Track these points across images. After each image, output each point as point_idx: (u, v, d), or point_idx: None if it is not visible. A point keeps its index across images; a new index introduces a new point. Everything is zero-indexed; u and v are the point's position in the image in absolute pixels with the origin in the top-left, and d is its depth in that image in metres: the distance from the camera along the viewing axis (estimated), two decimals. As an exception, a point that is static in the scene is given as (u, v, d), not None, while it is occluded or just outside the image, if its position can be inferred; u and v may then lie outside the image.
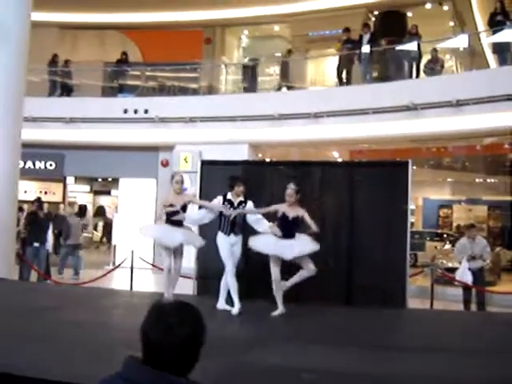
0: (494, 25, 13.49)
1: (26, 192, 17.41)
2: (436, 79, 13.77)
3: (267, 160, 15.91)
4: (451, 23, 18.62)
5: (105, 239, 23.89)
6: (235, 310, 7.19)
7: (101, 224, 24.26)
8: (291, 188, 7.30)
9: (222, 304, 7.53)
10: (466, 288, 9.97)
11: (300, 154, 16.46)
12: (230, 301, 7.43)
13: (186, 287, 8.52)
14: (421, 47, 14.56)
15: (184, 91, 17.38)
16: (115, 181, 19.13)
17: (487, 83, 12.11)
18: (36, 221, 11.93)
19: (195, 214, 7.80)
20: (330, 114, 13.83)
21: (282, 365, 4.81)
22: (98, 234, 24.32)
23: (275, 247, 7.14)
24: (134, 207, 16.71)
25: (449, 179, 23.14)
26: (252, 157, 15.13)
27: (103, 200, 25.05)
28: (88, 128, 15.82)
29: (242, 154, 14.08)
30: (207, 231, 7.96)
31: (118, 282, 12.55)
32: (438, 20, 18.25)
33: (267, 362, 4.86)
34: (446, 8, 18.59)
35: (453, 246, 15.71)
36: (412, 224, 17.64)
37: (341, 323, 7.12)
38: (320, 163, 9.57)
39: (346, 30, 15.68)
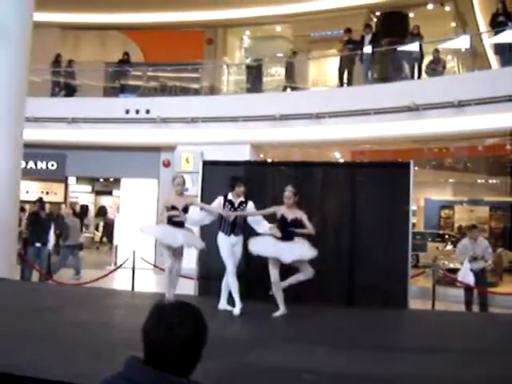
0: (496, 25, 13.47)
1: (27, 192, 17.42)
2: (438, 80, 13.76)
3: (269, 160, 15.91)
4: (453, 24, 18.62)
5: (104, 239, 23.91)
6: (236, 310, 7.19)
7: (101, 224, 24.27)
8: (289, 190, 7.31)
9: (223, 304, 7.54)
10: (468, 289, 9.96)
11: (302, 154, 16.46)
12: (231, 301, 7.43)
13: (188, 288, 8.53)
14: (423, 48, 14.55)
15: (186, 91, 17.38)
16: (117, 181, 19.13)
17: (489, 84, 12.10)
18: (38, 221, 11.93)
19: (196, 215, 7.80)
20: (331, 115, 13.82)
21: (283, 365, 4.81)
22: (99, 235, 24.34)
23: (274, 249, 7.15)
24: (136, 207, 16.72)
25: (450, 180, 23.14)
26: (254, 157, 15.13)
27: (105, 200, 25.06)
28: (90, 128, 15.82)
29: (243, 154, 14.08)
30: (208, 232, 7.97)
31: (120, 282, 12.55)
32: (439, 21, 18.25)
33: (268, 363, 4.86)
34: (447, 9, 18.60)
35: (454, 246, 15.72)
36: (414, 225, 17.63)
37: (342, 324, 7.11)
38: (322, 164, 9.56)
39: (348, 30, 15.69)
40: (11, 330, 5.62)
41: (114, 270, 12.22)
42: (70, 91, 17.40)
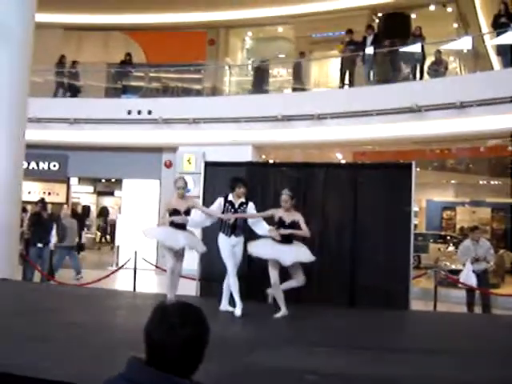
0: (498, 27, 13.46)
1: (29, 193, 17.45)
2: (440, 81, 13.75)
3: (271, 161, 15.91)
4: (455, 25, 18.60)
5: (104, 240, 23.93)
6: (238, 311, 7.19)
7: (101, 224, 24.32)
8: (286, 194, 7.33)
9: (224, 305, 7.54)
10: (470, 290, 9.94)
11: (303, 155, 16.46)
12: (232, 302, 7.44)
13: (189, 289, 8.54)
14: (424, 49, 14.55)
15: (188, 92, 17.41)
16: (119, 182, 19.15)
17: (491, 85, 12.09)
18: (39, 221, 11.95)
19: (197, 218, 7.79)
20: (333, 116, 13.82)
21: (284, 366, 4.81)
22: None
23: (273, 251, 7.17)
24: (138, 208, 16.73)
25: (452, 181, 23.13)
26: (255, 158, 15.13)
27: (107, 201, 25.09)
28: (92, 129, 15.83)
29: (245, 155, 14.07)
30: (210, 233, 7.97)
31: (122, 282, 12.56)
32: (441, 22, 18.24)
33: (269, 364, 4.86)
34: (449, 10, 18.59)
35: (456, 248, 15.72)
36: (415, 226, 17.66)
37: (343, 324, 7.11)
38: (323, 165, 9.55)
39: (349, 31, 15.69)
40: (12, 330, 5.62)
41: (116, 270, 12.23)
42: (73, 92, 17.44)
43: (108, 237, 24.04)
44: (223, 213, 7.45)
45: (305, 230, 7.22)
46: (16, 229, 10.57)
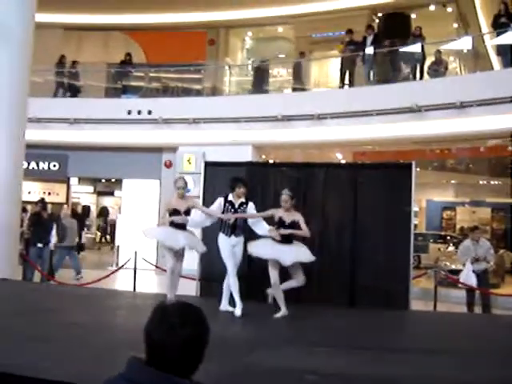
0: (498, 27, 13.46)
1: (29, 193, 17.45)
2: (440, 81, 13.75)
3: (271, 161, 15.91)
4: (455, 25, 18.60)
5: (103, 240, 23.92)
6: (238, 311, 7.19)
7: (101, 224, 24.32)
8: (286, 194, 7.34)
9: (224, 305, 7.54)
10: (470, 290, 9.94)
11: (303, 155, 16.47)
12: (232, 302, 7.44)
13: (189, 289, 8.54)
14: (424, 49, 14.55)
15: (188, 92, 17.41)
16: (119, 182, 19.16)
17: (491, 85, 12.09)
18: (39, 221, 11.95)
19: (197, 218, 7.79)
20: (333, 116, 13.82)
21: (284, 366, 4.81)
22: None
23: (273, 251, 7.18)
24: (138, 208, 16.73)
25: (452, 181, 23.13)
26: (255, 158, 15.13)
27: (107, 201, 25.09)
28: (92, 129, 15.83)
29: (245, 155, 14.07)
30: (210, 233, 7.97)
31: (122, 282, 12.56)
32: (441, 22, 18.24)
33: (269, 364, 4.86)
34: (449, 10, 18.59)
35: (456, 248, 15.72)
36: (415, 226, 17.66)
37: (343, 324, 7.11)
38: (324, 165, 9.55)
39: (349, 31, 15.69)
40: (12, 330, 5.62)
41: (116, 270, 12.23)
42: (73, 92, 17.44)
43: (108, 237, 24.04)
44: (223, 213, 7.45)
45: (305, 230, 7.23)
46: (16, 229, 10.57)
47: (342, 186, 8.60)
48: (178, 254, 7.51)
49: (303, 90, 16.04)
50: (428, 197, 23.56)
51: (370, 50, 14.90)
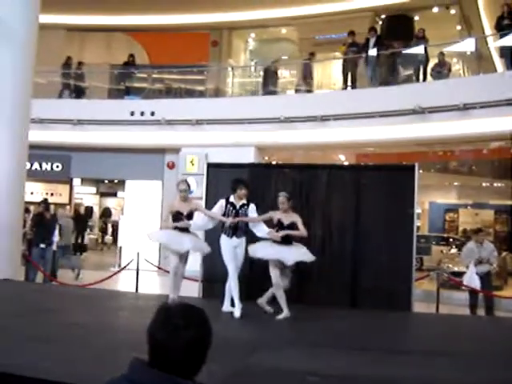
0: (501, 29, 13.44)
1: (32, 193, 17.48)
2: (443, 83, 13.73)
3: (273, 163, 15.91)
4: (458, 27, 18.58)
5: (103, 240, 23.88)
6: (237, 312, 7.17)
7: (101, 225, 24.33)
8: (283, 195, 7.43)
9: (227, 307, 7.54)
10: (473, 292, 9.91)
11: (306, 157, 16.45)
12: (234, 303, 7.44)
13: (192, 290, 8.54)
14: (428, 51, 14.54)
15: (191, 94, 17.42)
16: (121, 183, 19.18)
17: (494, 87, 12.07)
18: (42, 222, 11.95)
19: (200, 221, 7.79)
20: (336, 118, 13.81)
21: (285, 367, 4.80)
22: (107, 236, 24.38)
23: (274, 252, 7.23)
24: (140, 209, 16.74)
25: (455, 183, 23.08)
26: (258, 159, 15.13)
27: (109, 202, 25.10)
28: (95, 130, 15.85)
29: (248, 156, 14.08)
30: (212, 235, 7.97)
31: (124, 283, 12.56)
32: (445, 24, 18.21)
33: (271, 365, 4.86)
34: (453, 12, 18.57)
35: (459, 250, 15.68)
36: (418, 228, 17.60)
37: (345, 326, 7.11)
38: (326, 166, 9.55)
39: (351, 33, 15.68)
40: (14, 330, 5.63)
41: (118, 271, 12.23)
42: (78, 93, 17.49)
43: (109, 237, 24.02)
44: (224, 214, 7.46)
45: (302, 231, 7.30)
46: (18, 229, 10.58)
47: (344, 188, 8.59)
48: (182, 256, 7.53)
49: (309, 91, 16.00)
50: (431, 199, 23.51)
51: (372, 52, 14.89)
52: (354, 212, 8.47)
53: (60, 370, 4.24)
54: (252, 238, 7.58)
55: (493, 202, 22.96)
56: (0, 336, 5.32)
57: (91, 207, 23.35)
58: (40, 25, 11.11)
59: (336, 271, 8.31)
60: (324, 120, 13.89)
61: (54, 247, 12.09)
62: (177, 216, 7.52)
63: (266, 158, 16.48)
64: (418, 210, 9.88)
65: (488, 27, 16.54)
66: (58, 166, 17.69)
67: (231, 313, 7.34)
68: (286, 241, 7.32)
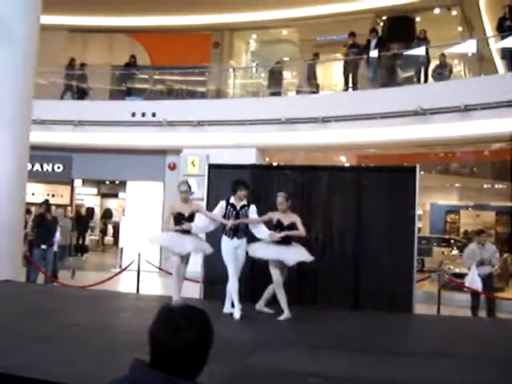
0: (503, 30, 13.44)
1: (33, 194, 17.48)
2: (444, 84, 13.73)
3: (275, 164, 15.91)
4: (460, 28, 18.58)
5: (102, 241, 23.87)
6: (236, 314, 7.16)
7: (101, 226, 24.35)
8: (281, 196, 7.48)
9: (228, 308, 7.53)
10: (475, 294, 9.90)
11: (307, 158, 16.44)
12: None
13: (193, 291, 8.54)
14: (429, 52, 14.53)
15: (192, 95, 17.42)
16: (122, 184, 19.18)
17: (496, 88, 12.07)
18: (43, 223, 11.95)
19: (201, 223, 7.79)
20: (337, 119, 13.82)
21: (286, 369, 4.80)
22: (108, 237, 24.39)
23: (274, 252, 7.27)
24: (141, 210, 16.75)
25: (456, 185, 23.06)
26: (259, 161, 15.13)
27: (110, 203, 25.11)
28: (96, 131, 15.87)
29: (249, 157, 14.07)
30: (213, 236, 7.97)
31: (125, 284, 12.56)
32: (446, 25, 18.21)
33: (272, 366, 4.85)
34: (454, 13, 18.55)
35: (460, 251, 15.67)
36: (419, 229, 17.60)
37: (346, 327, 7.10)
38: (327, 168, 9.53)
39: (352, 34, 15.68)
40: (15, 331, 5.63)
41: (119, 272, 12.23)
42: (81, 95, 17.51)
43: (110, 238, 24.03)
44: (225, 215, 7.47)
45: (301, 230, 7.33)
46: (19, 230, 10.58)
47: (345, 189, 8.59)
48: (184, 257, 7.55)
49: (314, 92, 15.98)
50: (432, 200, 23.50)
51: (373, 54, 14.90)
52: (355, 213, 8.46)
53: (60, 371, 4.24)
54: (253, 239, 7.59)
55: (494, 204, 22.95)
56: (1, 336, 5.32)
57: (92, 208, 23.36)
58: (42, 26, 11.12)
59: (337, 272, 8.30)
60: (325, 121, 13.89)
61: (55, 248, 12.08)
62: (178, 217, 7.52)
63: (267, 160, 16.48)
64: (419, 212, 9.88)
65: (489, 28, 16.54)
66: (59, 167, 17.71)
67: (231, 314, 7.34)
68: (286, 241, 7.35)
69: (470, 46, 14.91)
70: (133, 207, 17.47)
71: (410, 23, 18.10)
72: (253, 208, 7.55)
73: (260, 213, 7.58)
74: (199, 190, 12.28)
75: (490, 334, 7.26)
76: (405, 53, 15.07)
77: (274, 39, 21.74)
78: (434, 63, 14.56)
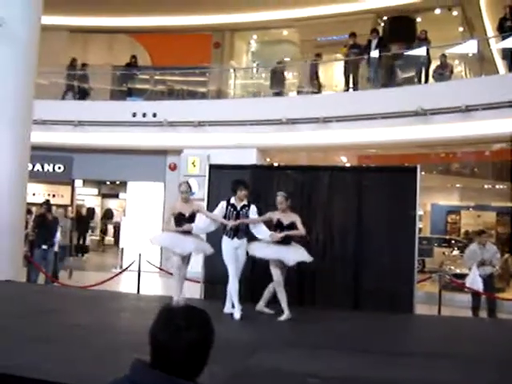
0: (504, 30, 13.44)
1: (34, 195, 17.47)
2: (445, 84, 13.73)
3: (275, 164, 15.91)
4: (460, 29, 18.57)
5: (102, 241, 23.88)
6: (237, 314, 7.15)
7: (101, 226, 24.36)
8: (281, 195, 7.49)
9: (228, 308, 7.53)
10: (476, 295, 9.88)
11: (308, 158, 16.45)
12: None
13: (194, 291, 8.54)
14: (430, 52, 14.53)
15: (192, 95, 17.42)
16: (123, 184, 19.18)
17: (496, 89, 12.07)
18: (44, 223, 11.95)
19: (202, 224, 7.78)
20: (338, 119, 13.83)
21: (286, 369, 4.79)
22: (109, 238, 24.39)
23: (275, 252, 7.27)
24: (142, 210, 16.75)
25: (457, 185, 23.06)
26: (260, 161, 15.13)
27: (111, 203, 25.12)
28: (96, 131, 15.88)
29: (250, 158, 14.07)
30: (214, 236, 7.96)
31: (126, 285, 12.56)
32: (447, 25, 18.21)
33: (272, 366, 4.85)
34: (455, 13, 18.56)
35: (461, 252, 15.65)
36: (420, 230, 17.60)
37: (347, 328, 7.10)
38: (328, 168, 9.52)
39: (352, 34, 15.68)
40: (16, 331, 5.63)
41: (120, 272, 12.23)
42: (83, 95, 17.52)
43: (110, 239, 24.03)
44: (225, 216, 7.47)
45: (301, 230, 7.35)
46: (20, 230, 10.59)
47: (346, 189, 8.59)
48: (185, 257, 7.56)
49: (317, 92, 15.97)
50: (433, 200, 23.50)
51: (374, 54, 14.90)
52: (355, 214, 8.46)
53: (61, 371, 4.24)
54: (253, 239, 7.58)
55: (495, 204, 22.94)
56: (1, 337, 5.32)
57: (93, 208, 23.37)
58: (43, 26, 11.13)
59: (337, 273, 8.31)
60: (326, 122, 13.90)
61: (56, 248, 12.08)
62: (179, 218, 7.52)
63: (268, 160, 16.48)
64: (419, 212, 9.89)
65: (490, 29, 16.54)
66: (59, 168, 17.72)
67: (232, 314, 7.34)
68: (285, 241, 7.36)
69: (470, 47, 14.91)
70: (133, 207, 17.47)
71: (410, 23, 18.09)
72: (253, 208, 7.55)
73: (261, 213, 7.58)
74: (200, 190, 12.28)
75: (490, 335, 7.26)
76: (406, 53, 15.07)
77: (274, 39, 21.75)
78: (434, 63, 14.57)
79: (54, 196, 18.41)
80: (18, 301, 8.00)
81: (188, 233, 7.51)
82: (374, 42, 15.06)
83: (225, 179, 8.53)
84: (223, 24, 20.12)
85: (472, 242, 10.92)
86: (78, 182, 19.72)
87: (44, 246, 11.68)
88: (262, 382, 4.52)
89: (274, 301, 7.40)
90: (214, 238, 7.90)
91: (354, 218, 8.46)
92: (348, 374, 4.76)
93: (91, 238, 22.32)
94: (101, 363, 4.54)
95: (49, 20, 14.35)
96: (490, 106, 11.92)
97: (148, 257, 11.42)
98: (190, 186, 7.89)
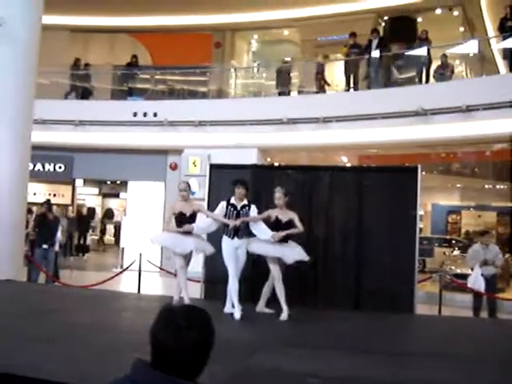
0: (505, 30, 13.44)
1: (35, 194, 17.49)
2: (446, 85, 13.73)
3: (276, 164, 15.91)
4: (461, 29, 18.57)
5: (101, 241, 23.89)
6: (237, 314, 7.15)
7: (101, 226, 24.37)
8: (279, 191, 7.50)
9: (228, 308, 7.53)
10: (477, 295, 9.87)
11: (309, 158, 16.45)
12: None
13: (194, 291, 8.54)
14: (431, 52, 14.53)
15: (193, 95, 17.43)
16: (124, 184, 19.19)
17: (497, 89, 12.07)
18: (45, 223, 11.95)
19: (203, 224, 7.78)
20: (339, 119, 13.82)
21: (286, 369, 4.79)
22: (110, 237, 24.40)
23: (271, 250, 7.29)
24: (143, 210, 16.75)
25: (458, 185, 23.07)
26: (261, 161, 15.12)
27: (112, 203, 25.13)
28: (97, 131, 15.88)
29: (250, 158, 14.06)
30: (214, 236, 7.97)
31: (126, 284, 12.57)
32: (448, 25, 18.20)
33: (272, 366, 4.85)
34: (456, 13, 18.55)
35: (461, 252, 15.65)
36: (420, 230, 17.60)
37: (347, 328, 7.10)
38: (329, 168, 9.52)
39: (352, 34, 15.67)
40: (16, 331, 5.64)
41: (121, 272, 12.24)
42: (86, 94, 17.53)
43: (110, 238, 24.04)
44: (225, 216, 7.47)
45: (299, 227, 7.37)
46: (21, 230, 10.59)
47: (347, 189, 8.59)
48: (186, 257, 7.56)
49: (323, 92, 15.96)
50: (433, 200, 23.52)
51: (375, 54, 14.90)
52: (356, 214, 8.46)
53: (62, 371, 4.24)
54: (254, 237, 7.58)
55: (495, 204, 22.96)
56: (2, 336, 5.32)
57: (93, 208, 23.38)
58: (43, 26, 11.13)
59: (338, 273, 8.31)
60: (326, 122, 13.89)
61: (57, 248, 12.09)
62: (180, 217, 7.53)
63: (269, 160, 16.47)
64: (420, 212, 9.88)
65: (491, 29, 16.54)
66: (60, 167, 17.72)
67: (232, 314, 7.34)
68: (284, 239, 7.38)
69: (471, 47, 14.91)
70: (134, 207, 17.47)
71: (411, 23, 18.09)
72: (253, 208, 7.54)
73: (261, 213, 7.57)
74: (200, 190, 12.29)
75: (491, 335, 7.26)
76: (406, 53, 15.06)
77: (275, 39, 21.75)
78: (435, 63, 14.56)
79: (54, 195, 18.43)
80: (18, 300, 8.00)
81: (189, 233, 7.52)
82: (375, 42, 15.06)
83: (225, 179, 8.52)
84: (224, 24, 20.12)
85: (473, 242, 10.91)
86: (79, 182, 19.73)
87: (44, 246, 11.69)
88: (262, 381, 4.53)
89: (273, 299, 7.40)
90: (214, 238, 7.90)
91: (354, 218, 8.46)
92: (348, 373, 4.76)
93: (92, 237, 22.32)
94: (102, 363, 4.54)
95: (50, 20, 14.35)
96: (491, 106, 11.92)
97: (149, 256, 11.43)
98: (189, 185, 7.90)
